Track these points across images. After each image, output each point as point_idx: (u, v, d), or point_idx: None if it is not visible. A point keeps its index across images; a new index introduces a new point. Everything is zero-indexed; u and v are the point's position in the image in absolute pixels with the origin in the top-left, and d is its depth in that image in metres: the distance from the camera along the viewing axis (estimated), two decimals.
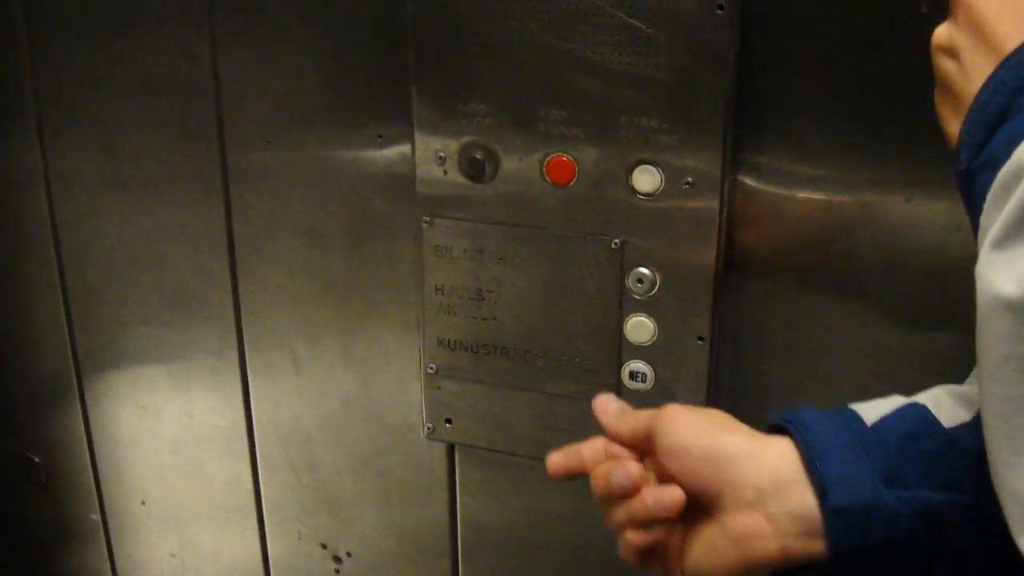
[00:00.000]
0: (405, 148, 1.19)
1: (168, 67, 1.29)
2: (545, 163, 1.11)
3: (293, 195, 1.27)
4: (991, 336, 0.55)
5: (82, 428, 1.53)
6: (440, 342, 1.23)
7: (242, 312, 1.35)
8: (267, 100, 1.26)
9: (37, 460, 1.58)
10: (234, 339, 1.36)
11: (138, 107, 1.32)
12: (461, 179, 1.16)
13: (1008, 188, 0.56)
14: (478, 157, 1.14)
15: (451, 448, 1.30)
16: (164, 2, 1.27)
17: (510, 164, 1.13)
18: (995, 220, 0.56)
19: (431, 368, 1.24)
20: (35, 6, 1.32)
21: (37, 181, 1.39)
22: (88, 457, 1.54)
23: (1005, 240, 0.55)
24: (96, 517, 1.58)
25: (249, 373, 1.38)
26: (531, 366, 1.20)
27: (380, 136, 1.22)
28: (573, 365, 1.18)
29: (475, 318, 1.21)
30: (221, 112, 1.28)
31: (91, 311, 1.44)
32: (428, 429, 1.27)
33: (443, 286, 1.21)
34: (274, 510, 1.45)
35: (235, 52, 1.26)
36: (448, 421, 1.26)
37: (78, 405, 1.51)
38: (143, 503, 1.55)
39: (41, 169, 1.39)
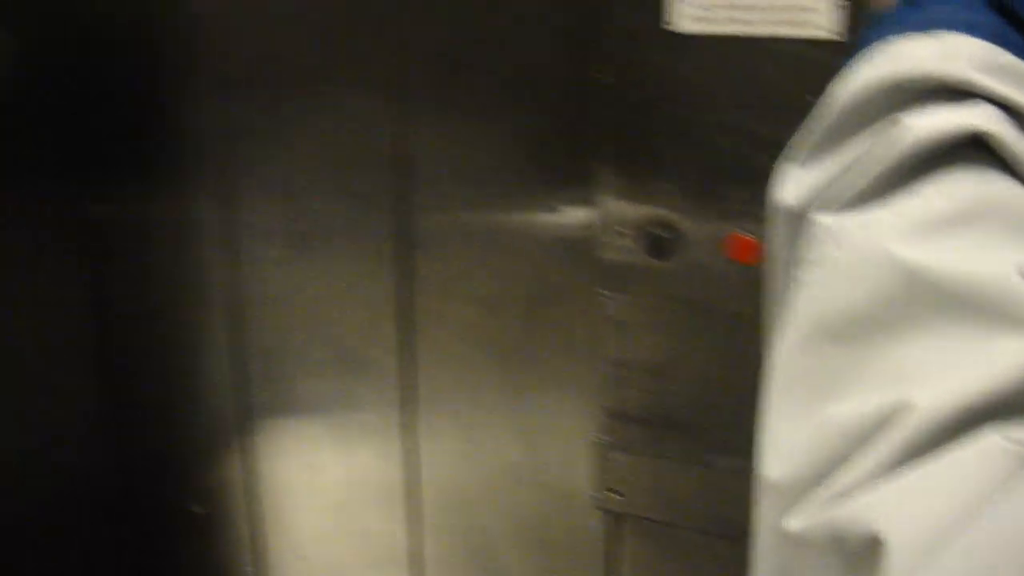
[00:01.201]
0: (585, 221, 1.22)
1: (355, 135, 1.34)
2: (729, 241, 1.14)
3: (472, 263, 1.31)
4: (774, 242, 0.59)
5: (245, 481, 1.55)
6: (613, 414, 1.25)
7: (413, 375, 1.38)
8: (449, 170, 1.30)
9: (199, 511, 1.61)
10: (400, 400, 1.39)
11: (323, 172, 1.37)
12: (643, 254, 1.18)
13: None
14: (661, 234, 1.17)
15: (618, 519, 1.31)
16: (355, 74, 1.32)
17: (693, 241, 1.15)
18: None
19: (602, 439, 1.26)
20: (226, 70, 1.38)
21: (222, 236, 1.44)
22: (249, 510, 1.57)
23: (806, 158, 0.58)
24: (252, 570, 1.60)
25: (415, 435, 1.40)
26: (704, 441, 1.21)
27: (560, 209, 1.26)
28: (746, 441, 1.19)
29: (650, 392, 1.22)
30: (404, 181, 1.33)
31: (263, 365, 1.48)
32: (596, 499, 1.29)
33: (620, 359, 1.23)
34: (433, 573, 1.46)
35: (420, 124, 1.30)
36: (617, 492, 1.27)
37: (243, 458, 1.54)
38: (302, 558, 1.56)
39: (227, 225, 1.44)
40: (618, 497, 1.27)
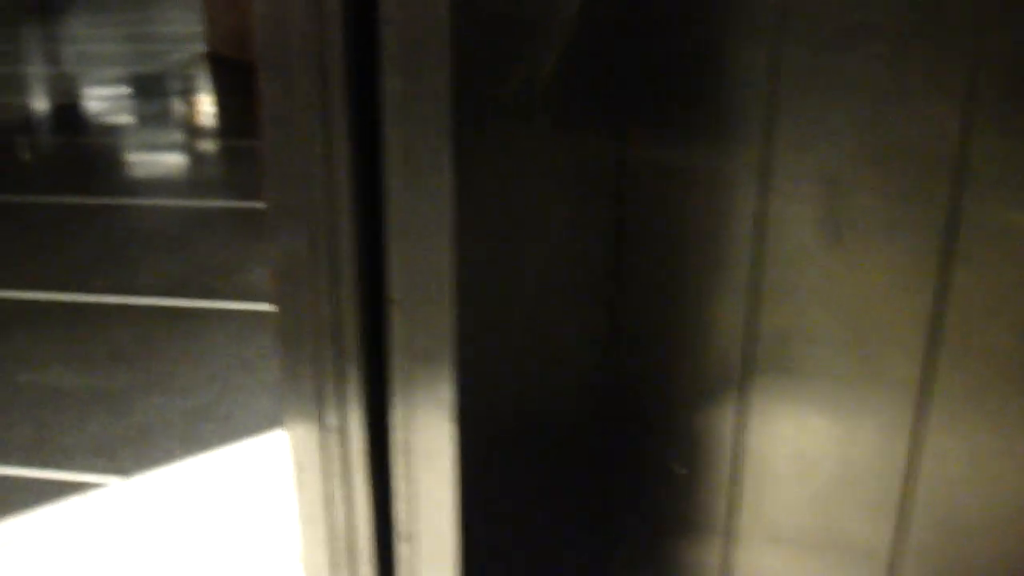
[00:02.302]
0: None
1: (911, 136, 1.30)
2: None
3: (1020, 289, 1.25)
4: None
5: (731, 453, 1.59)
6: None
7: (930, 391, 1.34)
8: (1012, 187, 1.24)
9: (681, 470, 1.67)
10: (912, 414, 1.36)
11: (869, 169, 1.34)
12: None
13: None
14: None
15: None
16: (923, 72, 1.28)
17: None
18: None
19: None
20: (784, 54, 1.38)
21: (753, 201, 1.46)
22: (730, 481, 1.61)
23: None
24: (722, 541, 1.65)
25: (920, 451, 1.37)
26: None
27: None
28: None
29: None
30: (959, 192, 1.27)
31: (773, 346, 1.50)
32: None
33: None
34: None
35: (988, 134, 1.24)
36: None
37: (734, 431, 1.58)
38: (772, 541, 1.59)
39: (760, 192, 1.45)
40: None
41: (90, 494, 2.76)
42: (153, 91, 8.54)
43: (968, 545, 1.37)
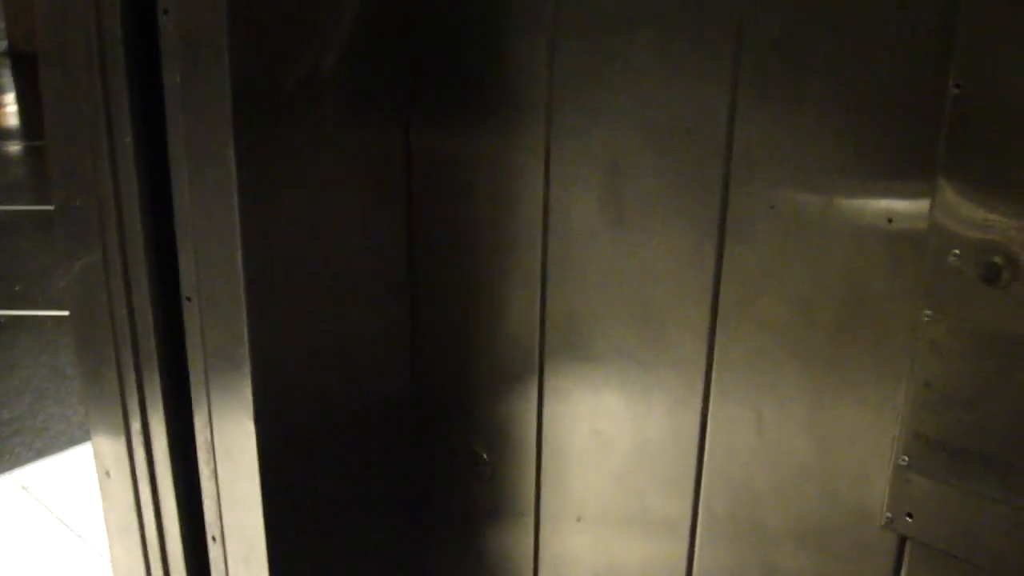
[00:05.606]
0: (915, 235, 1.19)
1: (683, 118, 1.34)
2: None
3: (789, 261, 1.30)
4: None
5: (534, 437, 1.61)
6: (918, 436, 1.23)
7: (714, 364, 1.39)
8: (778, 165, 1.29)
9: (485, 456, 1.68)
10: (700, 387, 1.41)
11: (646, 151, 1.38)
12: (974, 279, 1.15)
13: None
14: (997, 261, 1.13)
15: (903, 542, 1.30)
16: (691, 56, 1.32)
17: None
18: None
19: (903, 460, 1.24)
20: (569, 19, 1.40)
21: (538, 187, 1.49)
22: (534, 465, 1.63)
23: None
24: (529, 520, 1.67)
25: (709, 423, 1.42)
26: (1012, 480, 1.18)
27: (890, 220, 1.23)
28: None
29: (961, 421, 1.19)
30: (729, 170, 1.32)
31: (565, 330, 1.52)
32: (886, 519, 1.27)
33: (933, 382, 1.20)
34: (706, 559, 1.49)
35: (754, 114, 1.29)
36: (909, 515, 1.26)
37: (534, 415, 1.60)
38: (578, 520, 1.62)
39: (544, 176, 1.47)
40: (910, 521, 1.25)
41: None
42: None
43: (759, 510, 1.42)
